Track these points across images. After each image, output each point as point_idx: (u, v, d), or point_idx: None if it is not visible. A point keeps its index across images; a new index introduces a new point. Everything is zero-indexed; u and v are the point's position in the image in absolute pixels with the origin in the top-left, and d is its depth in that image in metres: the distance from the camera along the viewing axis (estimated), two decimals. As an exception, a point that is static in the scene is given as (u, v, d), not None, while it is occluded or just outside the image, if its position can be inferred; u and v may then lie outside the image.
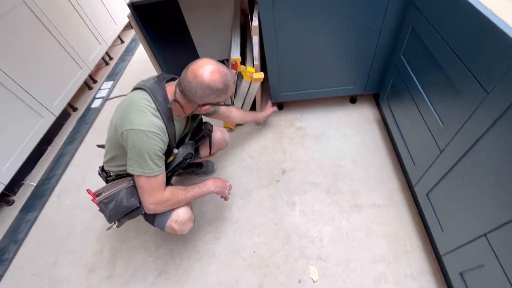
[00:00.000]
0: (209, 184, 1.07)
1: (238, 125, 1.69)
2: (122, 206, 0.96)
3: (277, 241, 1.20)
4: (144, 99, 0.86)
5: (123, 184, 0.99)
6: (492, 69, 0.66)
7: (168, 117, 0.89)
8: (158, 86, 0.89)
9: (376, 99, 1.65)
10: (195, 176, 1.51)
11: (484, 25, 0.67)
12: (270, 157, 1.52)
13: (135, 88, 0.93)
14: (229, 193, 1.17)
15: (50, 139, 1.91)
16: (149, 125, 0.83)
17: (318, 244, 1.17)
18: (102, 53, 2.37)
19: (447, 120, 0.87)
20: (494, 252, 0.69)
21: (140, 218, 1.06)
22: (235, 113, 1.31)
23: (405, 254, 1.09)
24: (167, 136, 0.90)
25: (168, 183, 1.11)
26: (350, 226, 1.20)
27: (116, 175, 1.03)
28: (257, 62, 1.28)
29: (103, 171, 1.06)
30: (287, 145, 1.55)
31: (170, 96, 0.89)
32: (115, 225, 1.01)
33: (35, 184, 1.67)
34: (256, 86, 1.38)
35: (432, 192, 0.99)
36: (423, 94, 0.99)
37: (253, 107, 1.59)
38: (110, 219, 0.98)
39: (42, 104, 1.71)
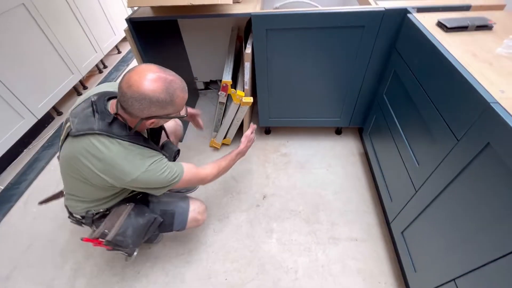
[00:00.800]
0: (240, 148, 1.13)
1: (224, 144, 1.69)
2: (140, 225, 0.94)
3: (251, 269, 1.16)
4: (111, 146, 0.75)
5: (125, 210, 0.94)
6: (462, 119, 0.70)
7: (143, 138, 0.82)
8: (106, 121, 0.75)
9: (360, 132, 1.70)
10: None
11: (457, 79, 0.72)
12: (253, 180, 1.51)
13: (80, 134, 0.74)
14: (252, 138, 1.19)
15: (28, 141, 1.84)
16: (141, 165, 0.77)
17: (293, 276, 1.13)
18: (96, 61, 2.37)
19: (422, 162, 0.90)
20: (462, 299, 0.69)
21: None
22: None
23: (379, 293, 1.07)
24: (156, 150, 0.85)
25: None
26: (326, 258, 1.17)
27: (108, 208, 0.94)
28: (247, 86, 1.31)
29: (84, 217, 0.93)
30: (271, 170, 1.56)
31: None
32: (136, 253, 0.98)
33: (2, 188, 1.57)
34: (245, 110, 1.40)
35: (406, 231, 1.00)
36: (402, 134, 1.04)
37: (240, 130, 1.60)
38: (134, 245, 0.94)
39: (24, 105, 1.67)
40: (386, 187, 1.18)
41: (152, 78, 0.69)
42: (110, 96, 0.83)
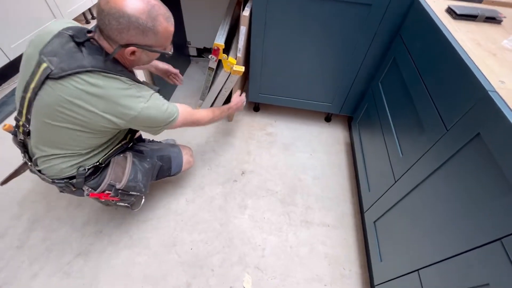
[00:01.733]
0: (231, 105, 1.22)
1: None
2: (147, 169, 0.97)
3: (218, 242, 1.13)
4: (110, 81, 0.68)
5: (127, 159, 0.92)
6: (456, 109, 0.66)
7: (135, 76, 0.76)
8: (97, 56, 0.67)
9: (349, 123, 1.67)
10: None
11: (457, 65, 0.68)
12: (234, 156, 1.46)
13: (68, 75, 0.65)
14: (245, 100, 1.31)
15: (-3, 83, 1.70)
16: (142, 98, 0.73)
17: (260, 253, 1.12)
18: (84, 8, 2.19)
19: (406, 152, 0.87)
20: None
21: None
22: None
23: (342, 278, 1.07)
24: (149, 86, 0.79)
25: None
26: (296, 240, 1.16)
27: (101, 162, 0.86)
28: (240, 54, 1.23)
29: (74, 177, 0.82)
30: (254, 147, 1.51)
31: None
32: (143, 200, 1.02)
33: (-38, 128, 1.45)
34: (234, 80, 1.32)
35: (379, 221, 0.98)
36: (391, 123, 1.00)
37: (227, 102, 1.52)
38: (146, 188, 0.97)
39: (-5, 42, 1.51)
40: (366, 177, 1.16)
41: None
42: (89, 30, 0.74)
